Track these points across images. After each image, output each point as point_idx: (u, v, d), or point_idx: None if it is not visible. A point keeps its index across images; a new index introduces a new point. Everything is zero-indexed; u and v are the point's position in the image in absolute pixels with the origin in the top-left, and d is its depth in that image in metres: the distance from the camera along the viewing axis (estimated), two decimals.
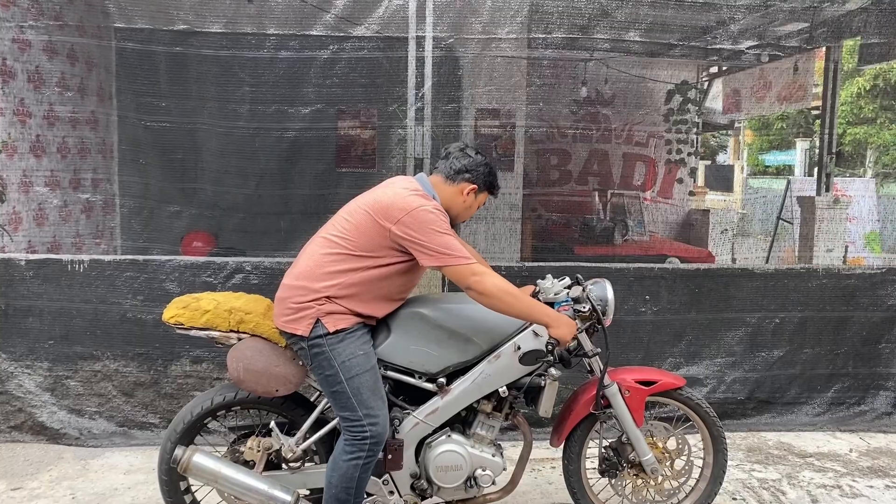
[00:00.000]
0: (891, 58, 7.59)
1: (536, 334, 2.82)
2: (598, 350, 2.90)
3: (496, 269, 4.18)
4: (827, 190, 8.10)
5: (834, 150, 8.40)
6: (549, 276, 3.02)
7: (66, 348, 4.08)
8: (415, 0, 3.97)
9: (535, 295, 2.96)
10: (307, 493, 2.84)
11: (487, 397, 2.84)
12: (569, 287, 2.93)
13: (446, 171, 2.78)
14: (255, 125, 3.86)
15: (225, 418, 2.91)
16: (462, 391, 2.79)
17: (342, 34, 3.71)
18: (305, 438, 2.77)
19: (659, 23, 4.86)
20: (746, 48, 7.43)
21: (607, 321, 2.88)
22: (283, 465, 2.85)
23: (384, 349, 2.75)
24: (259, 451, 2.74)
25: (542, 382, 2.83)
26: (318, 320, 2.62)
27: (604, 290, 2.91)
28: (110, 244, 4.16)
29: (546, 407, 2.84)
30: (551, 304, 2.87)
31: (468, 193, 2.77)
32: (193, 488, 2.90)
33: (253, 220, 4.09)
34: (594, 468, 3.06)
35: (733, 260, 9.53)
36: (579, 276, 2.93)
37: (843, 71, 8.22)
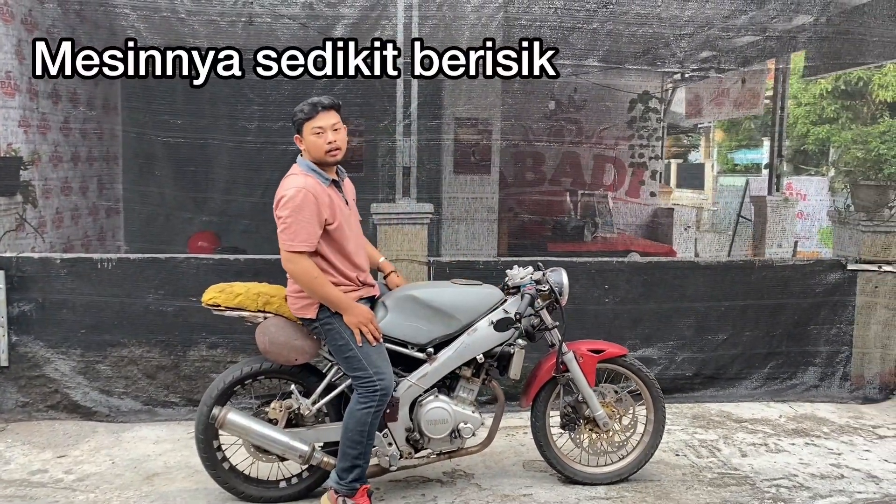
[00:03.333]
0: (828, 71, 8.35)
1: (506, 312, 3.45)
2: (557, 324, 3.53)
3: (474, 263, 4.81)
4: (777, 189, 8.83)
5: (783, 153, 9.16)
6: (516, 265, 3.65)
7: (97, 336, 4.61)
8: (402, 29, 4.58)
9: (506, 282, 3.59)
10: (321, 445, 3.42)
11: (467, 364, 3.45)
12: (532, 273, 3.56)
13: None
14: (263, 140, 4.44)
15: (251, 387, 3.49)
16: (447, 358, 3.41)
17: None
18: (319, 399, 3.36)
19: (626, 35, 5.47)
20: (702, 60, 8.15)
21: (563, 300, 3.51)
22: (300, 425, 3.43)
23: (383, 325, 3.35)
24: (281, 410, 3.33)
25: (512, 350, 3.44)
26: (321, 304, 3.21)
27: (559, 276, 3.55)
28: (132, 245, 4.71)
29: (515, 370, 3.46)
30: (517, 288, 3.51)
31: (299, 143, 3.24)
32: (224, 446, 3.47)
33: (259, 225, 4.66)
34: (556, 426, 3.68)
35: (696, 255, 10.22)
36: (540, 263, 3.57)
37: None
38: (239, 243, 4.87)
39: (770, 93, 8.73)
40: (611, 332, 4.88)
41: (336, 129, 3.21)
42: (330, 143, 3.17)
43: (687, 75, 9.94)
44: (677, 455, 4.11)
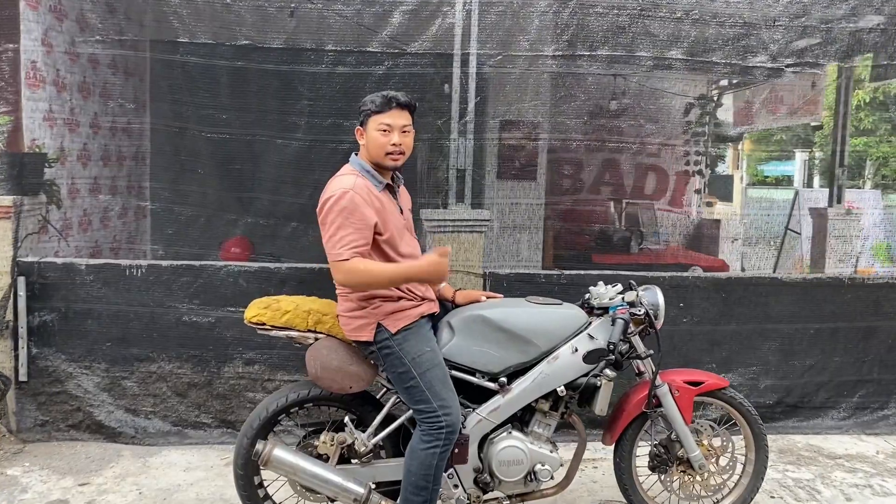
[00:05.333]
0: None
1: (591, 336, 3.00)
2: (651, 352, 3.07)
3: (534, 277, 4.36)
4: (839, 201, 8.29)
5: (845, 163, 8.61)
6: (600, 282, 3.20)
7: (123, 350, 4.23)
8: (462, 20, 4.15)
9: (587, 300, 3.14)
10: (374, 486, 2.99)
11: (545, 396, 3.00)
12: (621, 292, 3.10)
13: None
14: (311, 137, 4.04)
15: (297, 416, 3.06)
16: (522, 390, 2.96)
17: (396, 51, 3.88)
18: (376, 433, 2.93)
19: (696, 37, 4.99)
20: (759, 63, 7.63)
21: (658, 324, 3.05)
22: (352, 460, 3.00)
23: (448, 349, 2.92)
24: (333, 445, 2.90)
25: (598, 382, 2.99)
26: (378, 324, 2.79)
27: (655, 296, 3.09)
28: (168, 250, 4.32)
29: (602, 405, 3.00)
30: (604, 309, 3.06)
31: (360, 136, 2.83)
32: (266, 482, 3.06)
33: (300, 230, 4.26)
34: (643, 465, 3.22)
35: (742, 269, 9.71)
36: (633, 282, 3.10)
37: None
38: (276, 250, 4.44)
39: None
40: (686, 356, 4.43)
41: (405, 132, 2.81)
42: (394, 144, 2.77)
43: (734, 81, 9.46)
44: (772, 497, 3.64)
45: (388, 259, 2.80)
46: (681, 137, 8.27)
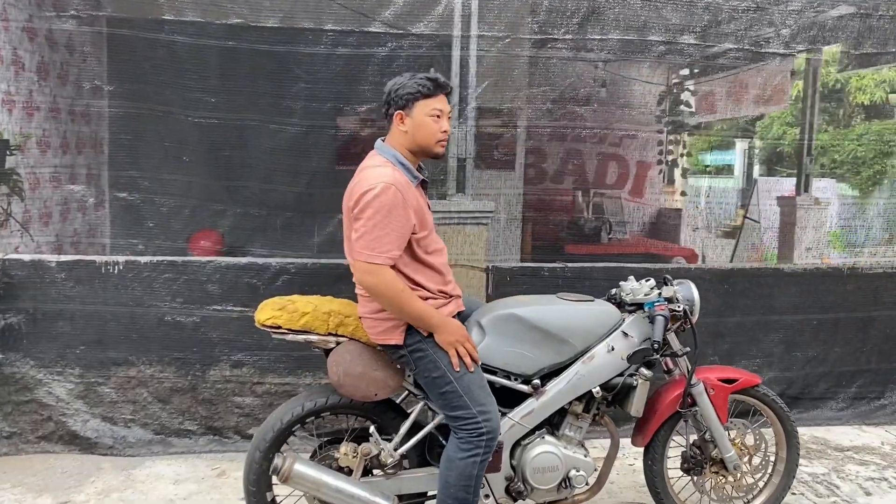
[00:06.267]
0: (870, 65, 7.89)
1: (626, 334, 2.85)
2: (687, 349, 2.93)
3: (538, 270, 4.19)
4: (806, 190, 8.39)
5: (812, 153, 8.69)
6: (631, 277, 3.04)
7: (99, 353, 3.90)
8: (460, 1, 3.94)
9: (617, 296, 2.98)
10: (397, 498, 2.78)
11: (579, 398, 2.84)
12: (655, 287, 2.95)
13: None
14: (309, 122, 3.76)
15: (312, 425, 2.82)
16: (557, 392, 2.79)
17: (400, 31, 3.64)
18: (403, 443, 2.71)
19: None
20: (726, 51, 7.60)
21: (693, 320, 2.91)
22: (374, 471, 2.78)
23: (480, 351, 2.71)
24: (356, 456, 2.66)
25: (634, 382, 2.83)
26: (409, 326, 2.58)
27: (689, 291, 2.94)
28: (149, 244, 3.98)
29: (637, 406, 2.85)
30: (641, 305, 2.90)
31: (400, 122, 2.57)
32: (278, 498, 2.81)
33: (301, 219, 3.98)
34: (674, 467, 3.08)
35: (703, 258, 9.78)
36: (668, 276, 2.95)
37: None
38: (266, 242, 4.15)
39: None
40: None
41: (449, 119, 2.62)
42: (445, 132, 2.59)
43: (695, 70, 9.45)
44: (793, 494, 3.55)
45: (415, 257, 2.58)
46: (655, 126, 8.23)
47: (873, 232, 6.41)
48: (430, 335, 2.58)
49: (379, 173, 2.50)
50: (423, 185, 2.71)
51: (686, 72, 9.06)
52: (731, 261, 9.52)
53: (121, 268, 3.90)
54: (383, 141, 2.65)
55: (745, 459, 3.08)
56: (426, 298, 2.61)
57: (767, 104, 9.41)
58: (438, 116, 2.56)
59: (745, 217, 10.85)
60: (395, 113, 2.56)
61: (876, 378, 4.66)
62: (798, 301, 4.48)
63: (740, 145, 21.90)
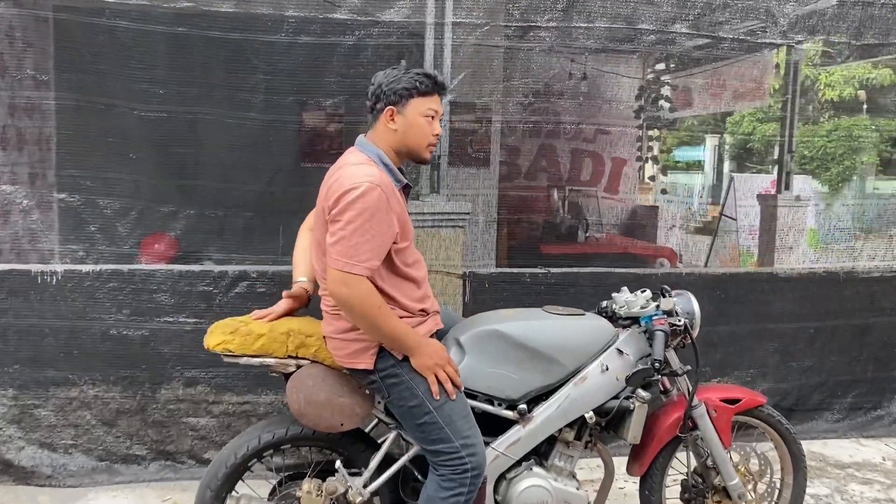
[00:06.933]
0: (854, 59, 7.72)
1: (620, 352, 2.56)
2: (688, 368, 2.65)
3: (519, 276, 3.90)
4: (787, 188, 8.21)
5: (794, 149, 8.51)
6: (624, 288, 2.76)
7: (36, 373, 3.51)
8: None
9: (609, 309, 2.70)
10: None
11: (570, 424, 2.54)
12: (651, 299, 2.67)
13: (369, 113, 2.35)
14: (271, 117, 3.41)
15: (271, 459, 2.48)
16: (546, 418, 2.49)
17: (368, 18, 3.31)
18: (373, 479, 2.39)
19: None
20: (704, 44, 7.37)
21: (694, 334, 2.64)
22: None
23: (460, 373, 2.40)
24: (321, 494, 2.34)
25: (631, 405, 2.54)
26: (381, 348, 2.26)
27: (689, 303, 2.67)
28: (91, 250, 3.60)
29: (635, 432, 2.56)
30: (636, 319, 2.62)
31: (391, 119, 2.28)
32: None
33: (262, 220, 3.64)
34: (673, 497, 2.80)
35: (680, 257, 9.61)
36: (666, 287, 2.66)
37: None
38: (224, 246, 3.79)
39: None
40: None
41: (440, 122, 2.35)
42: (436, 135, 2.32)
43: (672, 65, 9.26)
44: None
45: (394, 270, 2.27)
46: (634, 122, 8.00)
47: (846, 229, 6.24)
48: (406, 358, 2.26)
49: (363, 171, 2.18)
50: (406, 190, 2.40)
51: (673, 65, 8.85)
52: (707, 258, 9.37)
53: (59, 278, 3.52)
54: (366, 137, 2.34)
55: (750, 487, 2.81)
56: (402, 317, 2.29)
57: (747, 99, 9.24)
58: (433, 118, 2.28)
59: (721, 214, 10.68)
60: (386, 108, 2.25)
61: (872, 388, 4.45)
62: (793, 308, 4.24)
63: (710, 141, 21.89)
